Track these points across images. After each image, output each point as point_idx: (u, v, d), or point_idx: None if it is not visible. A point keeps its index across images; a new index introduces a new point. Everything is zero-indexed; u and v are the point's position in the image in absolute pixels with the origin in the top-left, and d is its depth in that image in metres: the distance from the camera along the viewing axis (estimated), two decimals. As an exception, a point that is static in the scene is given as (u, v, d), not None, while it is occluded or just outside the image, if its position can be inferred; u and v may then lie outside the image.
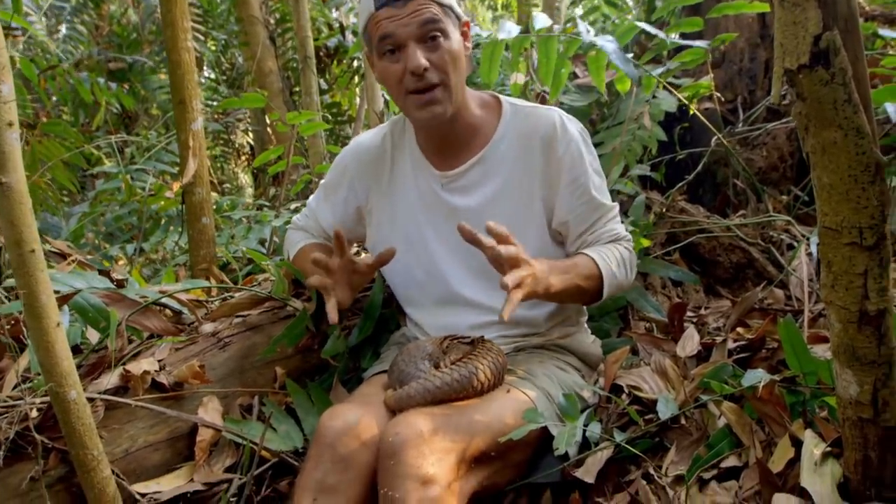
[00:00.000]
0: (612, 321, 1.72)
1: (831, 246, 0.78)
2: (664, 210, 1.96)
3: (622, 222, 1.39)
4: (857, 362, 0.82)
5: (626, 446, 1.16)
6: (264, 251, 2.30)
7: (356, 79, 5.20)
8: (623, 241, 1.35)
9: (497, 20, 7.01)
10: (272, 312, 1.52)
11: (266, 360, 1.45)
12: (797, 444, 1.01)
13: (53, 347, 0.97)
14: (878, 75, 1.86)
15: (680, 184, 2.02)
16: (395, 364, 1.21)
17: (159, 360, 1.34)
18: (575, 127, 1.33)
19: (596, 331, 1.58)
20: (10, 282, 1.59)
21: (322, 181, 1.54)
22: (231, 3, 5.11)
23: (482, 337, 1.27)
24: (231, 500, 1.22)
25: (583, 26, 1.87)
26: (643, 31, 1.99)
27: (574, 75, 2.45)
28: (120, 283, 1.55)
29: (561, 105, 2.20)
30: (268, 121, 5.12)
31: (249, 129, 5.76)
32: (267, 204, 3.43)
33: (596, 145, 1.58)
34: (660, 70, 2.03)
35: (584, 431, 1.19)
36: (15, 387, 1.26)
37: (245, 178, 6.35)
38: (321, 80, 4.92)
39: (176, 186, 2.37)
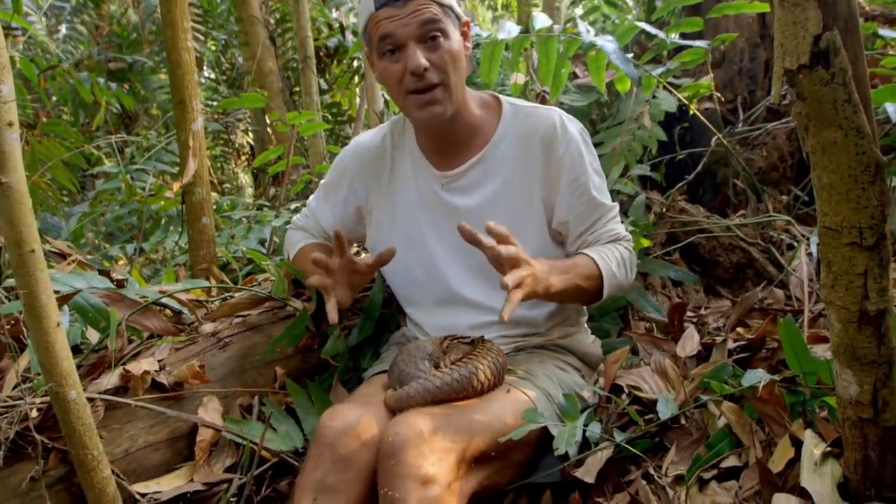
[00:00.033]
0: (612, 321, 1.72)
1: (831, 246, 0.78)
2: (664, 210, 1.96)
3: (622, 222, 1.39)
4: (857, 362, 0.82)
5: (626, 446, 1.16)
6: (264, 251, 2.30)
7: (356, 79, 5.20)
8: (623, 240, 1.35)
9: (497, 20, 7.01)
10: (272, 312, 1.52)
11: (266, 360, 1.45)
12: (797, 444, 1.01)
13: (53, 347, 0.97)
14: (878, 75, 1.86)
15: (680, 184, 2.02)
16: (395, 364, 1.21)
17: (159, 360, 1.34)
18: (575, 127, 1.33)
19: (596, 331, 1.58)
20: (11, 282, 1.59)
21: (322, 181, 1.54)
22: (231, 2, 5.11)
23: (482, 337, 1.27)
24: (231, 500, 1.22)
25: (583, 26, 1.87)
26: (643, 31, 1.99)
27: (574, 75, 2.45)
28: (120, 283, 1.55)
29: (561, 105, 2.20)
30: (268, 121, 5.12)
31: (249, 129, 5.76)
32: (267, 204, 3.43)
33: (596, 145, 1.58)
34: (660, 70, 2.03)
35: (584, 431, 1.19)
36: (15, 387, 1.26)
37: (245, 178, 6.36)
38: (321, 80, 4.92)
39: (176, 186, 2.37)
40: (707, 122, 2.01)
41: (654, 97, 2.11)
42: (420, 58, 1.19)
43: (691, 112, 2.01)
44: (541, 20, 1.86)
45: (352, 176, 1.44)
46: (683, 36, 2.00)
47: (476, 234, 1.11)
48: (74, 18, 5.01)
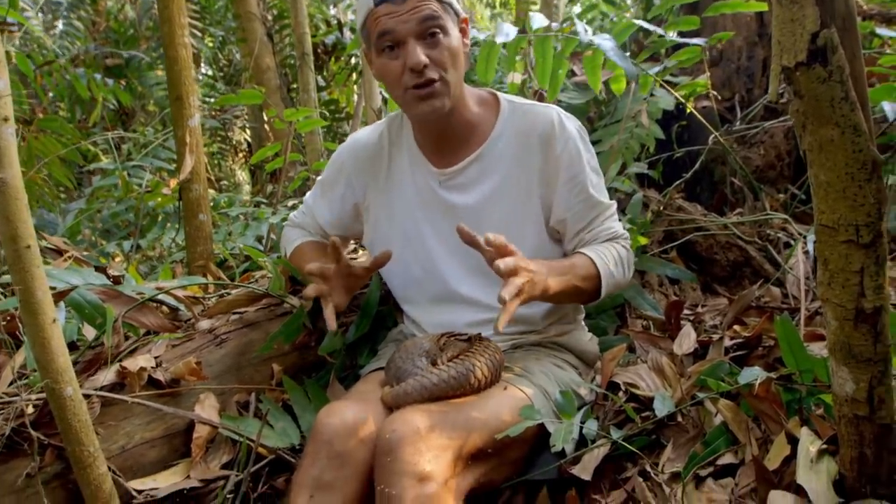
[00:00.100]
0: (610, 319, 1.72)
1: (828, 244, 0.78)
2: (661, 208, 1.97)
3: (619, 220, 1.39)
4: (853, 360, 0.82)
5: (623, 443, 1.16)
6: (261, 248, 2.30)
7: (354, 76, 5.19)
8: (621, 239, 1.35)
9: (495, 18, 7.01)
10: (269, 309, 1.51)
11: (263, 356, 1.45)
12: (793, 441, 1.01)
13: (49, 344, 0.97)
14: (875, 74, 1.86)
15: (677, 182, 2.02)
16: (392, 361, 1.21)
17: (156, 357, 1.34)
18: (573, 125, 1.32)
19: (593, 328, 1.58)
20: (6, 278, 1.59)
21: (319, 178, 1.54)
22: (228, -1, 5.10)
23: (479, 334, 1.27)
24: (228, 496, 1.22)
25: (580, 25, 1.87)
26: (641, 29, 1.99)
27: (572, 73, 2.45)
28: (116, 280, 1.54)
29: (559, 103, 2.20)
30: (265, 118, 5.11)
31: (247, 125, 5.75)
32: (264, 201, 3.42)
33: (594, 143, 1.58)
34: (657, 68, 2.04)
35: (581, 428, 1.19)
36: (11, 383, 1.25)
37: (242, 175, 6.35)
38: (319, 77, 4.91)
39: (173, 183, 2.37)
40: (704, 121, 2.02)
41: (651, 95, 2.11)
42: (420, 54, 1.19)
43: (689, 110, 2.01)
44: (538, 20, 1.86)
45: (349, 173, 1.44)
46: (681, 34, 2.00)
47: (475, 237, 1.10)
48: (71, 14, 4.99)
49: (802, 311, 1.47)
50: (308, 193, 1.58)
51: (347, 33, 4.90)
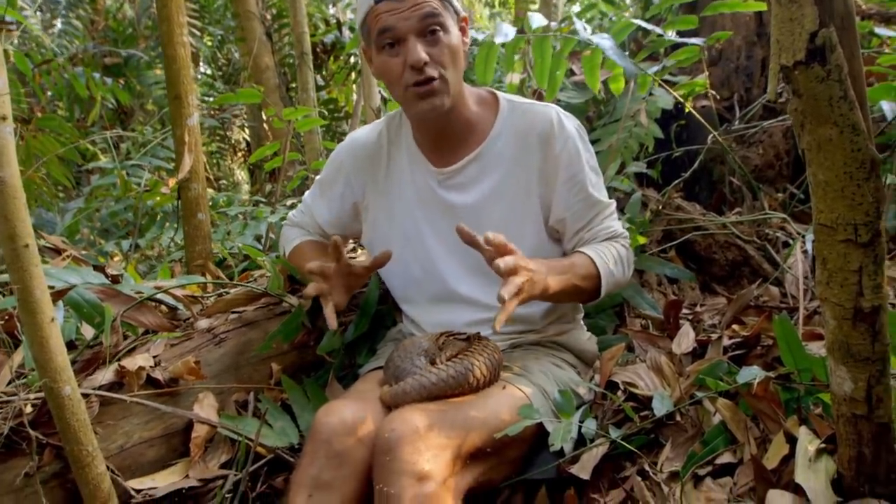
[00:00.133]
0: (608, 318, 1.72)
1: (826, 243, 0.78)
2: (660, 207, 1.97)
3: (618, 219, 1.39)
4: (852, 359, 0.82)
5: (622, 443, 1.16)
6: (260, 247, 2.30)
7: (353, 75, 5.19)
8: (620, 238, 1.35)
9: (494, 17, 7.01)
10: (268, 308, 1.51)
11: (262, 356, 1.45)
12: (791, 440, 1.01)
13: (48, 343, 0.97)
14: (873, 73, 1.86)
15: (676, 181, 2.02)
16: (390, 360, 1.21)
17: (154, 356, 1.34)
18: (572, 124, 1.32)
19: (592, 328, 1.58)
20: (5, 277, 1.59)
21: (318, 177, 1.53)
22: (227, -2, 5.10)
23: (478, 333, 1.27)
24: (226, 496, 1.22)
25: (579, 24, 1.87)
26: (640, 28, 1.99)
27: (571, 72, 2.45)
28: (115, 279, 1.54)
29: (558, 102, 2.20)
30: (264, 117, 5.11)
31: (245, 125, 5.75)
32: (263, 200, 3.42)
33: (593, 142, 1.59)
34: (656, 68, 2.04)
35: (580, 428, 1.19)
36: (9, 382, 1.25)
37: (241, 175, 6.35)
38: (318, 77, 4.91)
39: (172, 182, 2.36)
40: (703, 120, 2.02)
41: (650, 95, 2.11)
42: (420, 52, 1.18)
43: (687, 110, 2.01)
44: (536, 20, 1.86)
45: (348, 172, 1.44)
46: (679, 34, 2.01)
47: (475, 236, 1.10)
48: (70, 13, 4.99)
49: (801, 310, 1.47)
50: (307, 193, 1.58)
51: (346, 32, 4.90)
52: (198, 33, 5.14)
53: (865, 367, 0.82)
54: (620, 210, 1.84)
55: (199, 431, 1.28)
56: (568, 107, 2.25)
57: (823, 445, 0.96)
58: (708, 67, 2.10)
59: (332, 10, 5.26)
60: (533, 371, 1.26)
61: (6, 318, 1.41)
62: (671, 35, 1.97)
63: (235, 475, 1.25)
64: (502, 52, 1.91)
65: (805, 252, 1.70)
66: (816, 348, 1.20)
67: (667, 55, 2.16)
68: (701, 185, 2.30)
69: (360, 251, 1.91)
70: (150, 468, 1.25)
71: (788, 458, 0.99)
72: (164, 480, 1.22)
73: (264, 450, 1.30)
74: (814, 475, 0.92)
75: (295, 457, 1.29)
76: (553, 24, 1.96)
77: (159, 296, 1.49)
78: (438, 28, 1.20)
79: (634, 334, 1.59)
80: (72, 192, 3.78)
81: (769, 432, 1.08)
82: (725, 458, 1.08)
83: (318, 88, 4.77)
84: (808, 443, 0.97)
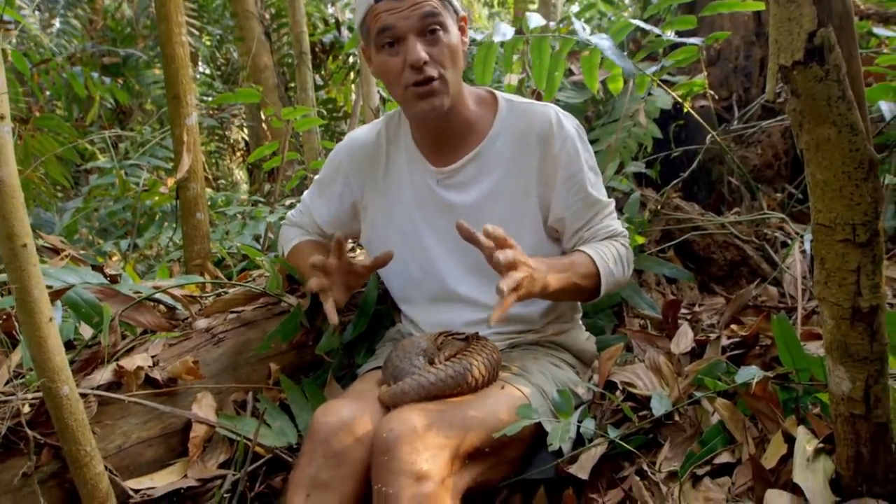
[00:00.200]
0: (607, 318, 1.73)
1: (825, 243, 0.78)
2: (659, 207, 1.97)
3: (617, 219, 1.39)
4: (850, 359, 0.83)
5: (620, 442, 1.16)
6: (259, 247, 2.30)
7: (352, 75, 5.19)
8: (619, 237, 1.35)
9: (493, 17, 7.01)
10: (266, 308, 1.51)
11: (260, 356, 1.45)
12: (790, 440, 1.01)
13: (46, 342, 0.97)
14: (872, 73, 1.86)
15: (675, 181, 2.02)
16: (389, 360, 1.21)
17: (153, 356, 1.34)
18: (571, 123, 1.32)
19: (590, 327, 1.58)
20: (3, 277, 1.58)
21: (316, 177, 1.53)
22: (226, -3, 5.09)
23: (477, 333, 1.27)
24: (225, 496, 1.22)
25: (578, 24, 1.87)
26: (638, 28, 1.99)
27: (570, 72, 2.45)
28: (113, 279, 1.54)
29: (556, 102, 2.20)
30: (263, 116, 5.11)
31: (244, 124, 5.75)
32: (262, 200, 3.42)
33: (592, 142, 1.59)
34: (654, 68, 2.04)
35: (578, 428, 1.19)
36: (7, 382, 1.25)
37: (240, 174, 6.34)
38: (317, 76, 4.91)
39: (170, 182, 2.37)
40: (702, 120, 2.02)
41: (649, 95, 2.11)
42: (420, 51, 1.18)
43: (686, 110, 2.02)
44: (535, 20, 1.86)
45: (346, 171, 1.44)
46: (678, 34, 2.01)
47: (474, 233, 1.10)
48: (68, 12, 4.98)
49: (799, 310, 1.47)
50: (306, 192, 1.57)
51: (345, 32, 4.90)
52: (196, 33, 5.14)
53: (863, 366, 0.82)
54: (619, 210, 1.84)
55: (198, 431, 1.28)
56: (567, 107, 2.25)
57: (822, 445, 0.96)
58: (706, 67, 2.10)
59: (330, 10, 5.26)
60: (531, 371, 1.26)
61: (4, 317, 1.41)
62: (670, 35, 1.97)
63: (234, 475, 1.25)
64: (501, 52, 1.91)
65: (803, 252, 1.70)
66: (815, 348, 1.20)
67: (665, 55, 2.17)
68: (699, 185, 2.30)
69: (359, 251, 1.91)
70: (148, 468, 1.25)
71: (787, 458, 0.99)
72: (163, 480, 1.22)
73: (263, 450, 1.30)
74: (812, 475, 0.92)
75: (293, 457, 1.29)
76: (552, 24, 1.96)
77: (158, 295, 1.49)
78: (438, 27, 1.20)
79: (633, 334, 1.59)
80: (70, 191, 3.78)
81: (767, 432, 1.08)
82: (724, 457, 1.08)
83: (317, 88, 4.77)
84: (806, 442, 0.97)
